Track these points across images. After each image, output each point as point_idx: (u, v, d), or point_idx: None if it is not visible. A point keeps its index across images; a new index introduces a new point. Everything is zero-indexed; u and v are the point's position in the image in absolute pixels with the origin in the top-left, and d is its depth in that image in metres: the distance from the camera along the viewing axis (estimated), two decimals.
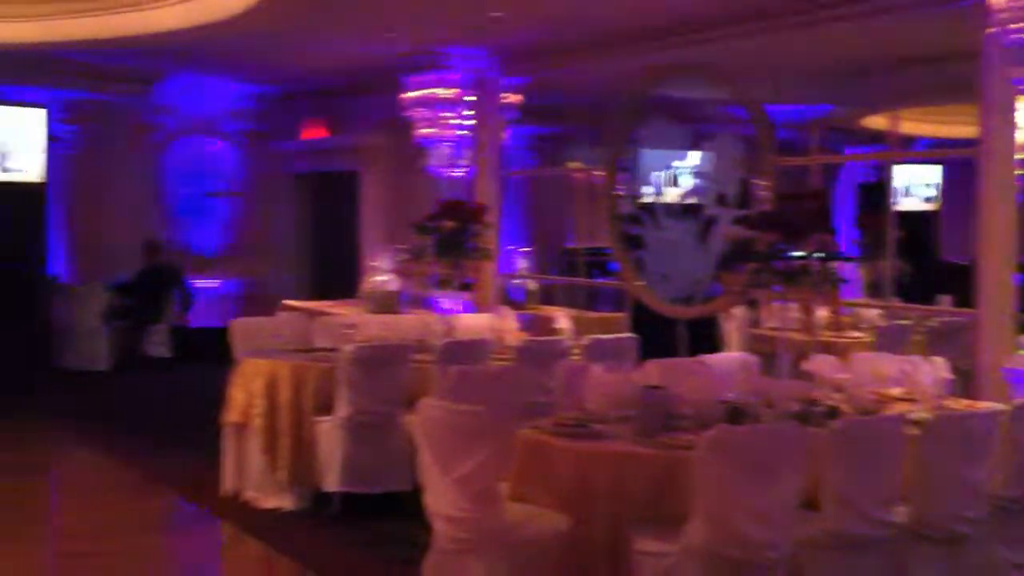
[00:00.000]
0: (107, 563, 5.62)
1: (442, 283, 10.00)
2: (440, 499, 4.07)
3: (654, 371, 5.02)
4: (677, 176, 9.23)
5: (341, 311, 9.84)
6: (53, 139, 10.61)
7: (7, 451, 8.13)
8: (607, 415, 4.46)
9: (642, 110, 8.82)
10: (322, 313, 9.62)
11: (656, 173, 9.27)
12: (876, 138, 11.55)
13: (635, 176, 9.19)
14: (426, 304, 10.13)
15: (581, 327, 8.21)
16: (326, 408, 6.31)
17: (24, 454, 8.23)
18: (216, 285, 13.35)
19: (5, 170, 10.11)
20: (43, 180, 10.37)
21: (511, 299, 10.65)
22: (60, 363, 11.24)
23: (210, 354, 12.40)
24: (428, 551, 4.24)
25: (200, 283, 12.87)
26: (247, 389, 6.54)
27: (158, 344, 12.28)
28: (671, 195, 9.15)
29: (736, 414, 4.35)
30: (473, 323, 8.11)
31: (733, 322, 8.63)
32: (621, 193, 9.09)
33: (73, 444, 8.57)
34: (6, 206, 10.22)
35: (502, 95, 10.37)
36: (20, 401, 9.76)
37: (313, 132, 13.41)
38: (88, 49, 10.01)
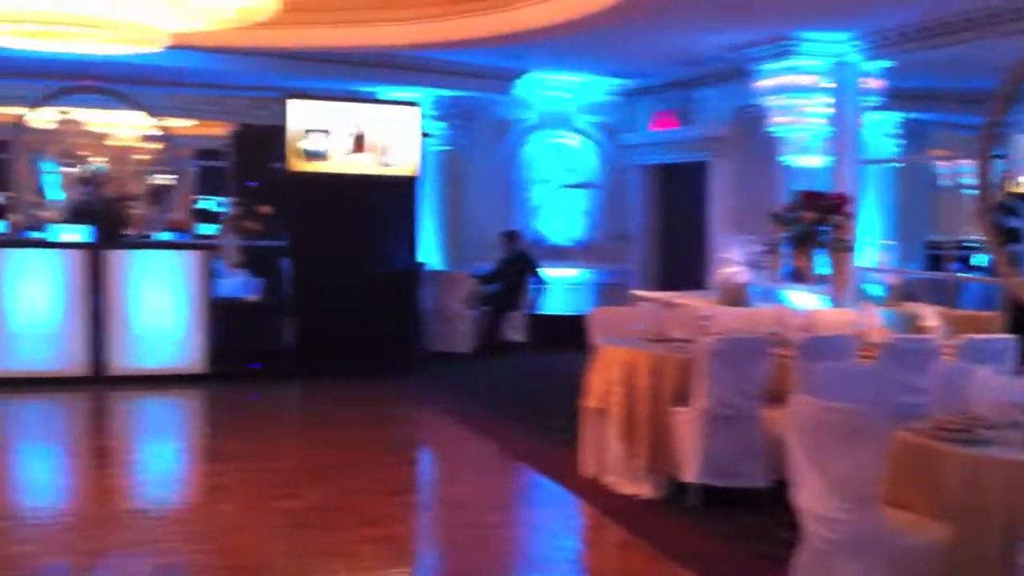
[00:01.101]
0: (508, 535, 6.01)
1: (796, 276, 9.77)
2: (813, 498, 3.98)
3: None
4: None
5: (691, 302, 9.86)
6: (425, 135, 11.33)
7: (385, 427, 8.83)
8: (996, 420, 4.18)
9: (1021, 92, 8.15)
10: (673, 304, 9.69)
11: None
12: None
13: (1012, 164, 8.52)
14: (777, 297, 9.93)
15: (950, 325, 7.75)
16: (683, 399, 6.34)
17: (400, 429, 8.93)
18: (568, 274, 13.77)
19: (384, 164, 10.90)
20: (416, 174, 11.08)
21: (868, 294, 10.23)
22: (428, 345, 11.99)
23: (561, 341, 12.89)
24: (797, 549, 4.16)
25: (553, 272, 13.32)
26: (606, 376, 6.70)
27: (514, 329, 12.85)
28: None
29: None
30: (833, 318, 7.86)
31: None
32: (995, 182, 8.45)
33: (442, 421, 9.14)
34: (385, 198, 11.02)
35: (863, 80, 9.96)
36: (396, 381, 10.55)
37: (662, 124, 13.49)
38: (458, 49, 10.63)
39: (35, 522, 5.91)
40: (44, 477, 7.32)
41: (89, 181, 11.37)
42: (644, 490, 6.42)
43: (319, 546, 5.47)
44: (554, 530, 6.21)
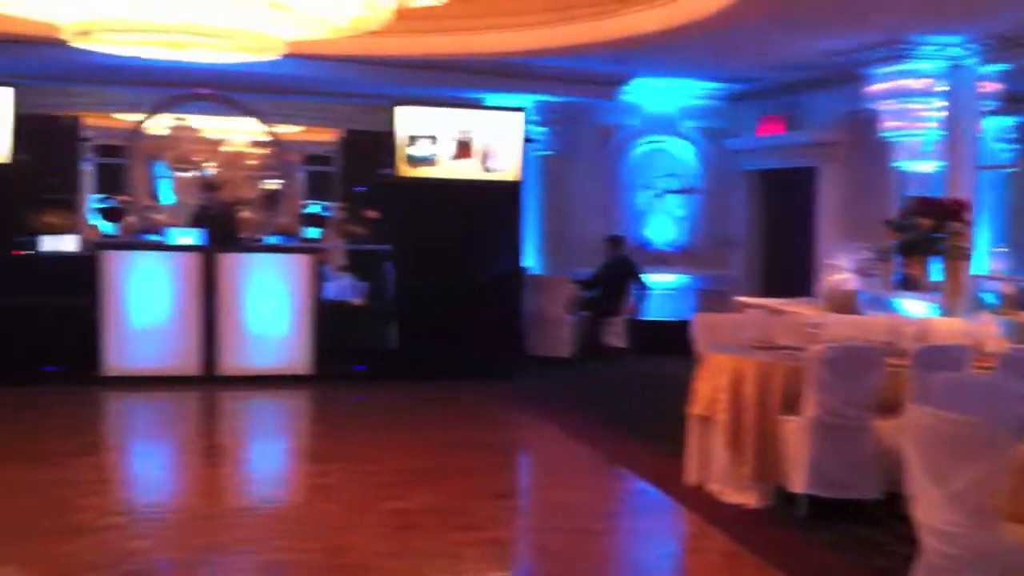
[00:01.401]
0: (611, 541, 5.99)
1: (908, 284, 9.54)
2: (930, 512, 3.88)
3: None
4: None
5: (798, 309, 9.70)
6: (529, 140, 11.37)
7: (486, 430, 8.88)
8: None
9: None
10: (779, 311, 9.55)
11: None
12: None
13: None
14: (886, 305, 9.71)
15: None
16: (791, 407, 6.24)
17: (500, 433, 8.98)
18: (669, 280, 13.67)
19: (487, 169, 10.97)
20: (519, 179, 11.12)
21: (983, 302, 9.93)
22: (529, 350, 12.01)
23: (663, 347, 12.78)
24: (911, 563, 4.06)
25: (655, 278, 13.24)
26: (712, 383, 6.63)
27: (615, 335, 12.80)
28: None
29: None
30: (948, 327, 7.66)
31: None
32: None
33: (544, 425, 9.15)
34: (488, 203, 11.08)
35: (979, 83, 9.67)
36: (497, 384, 10.60)
37: (769, 128, 13.30)
38: (566, 56, 10.63)
39: (151, 518, 6.09)
40: (159, 474, 7.55)
41: (202, 186, 11.69)
42: (750, 499, 6.33)
43: (424, 547, 5.52)
44: (657, 538, 6.17)
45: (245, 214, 11.67)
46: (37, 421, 8.64)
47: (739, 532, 5.88)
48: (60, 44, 8.73)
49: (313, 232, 14.99)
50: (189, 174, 11.49)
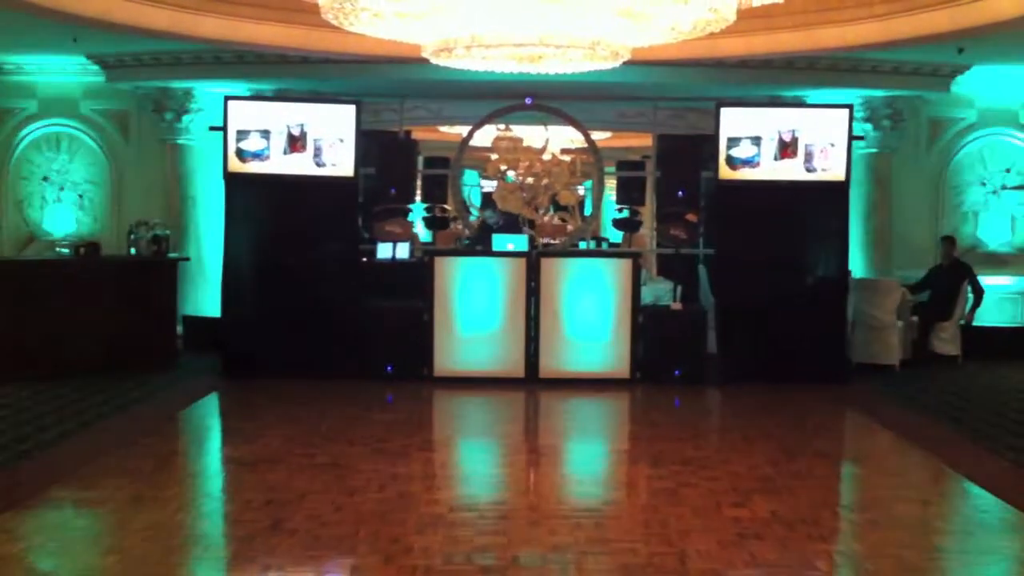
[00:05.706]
0: (964, 560, 5.67)
1: None
2: None
3: None
4: None
5: None
6: (855, 138, 10.92)
7: (819, 437, 8.61)
8: None
9: None
10: None
11: None
12: None
13: None
14: None
15: None
16: None
17: (834, 440, 8.76)
18: (1007, 283, 12.77)
19: (811, 170, 10.60)
20: (845, 179, 10.69)
21: None
22: (852, 356, 11.51)
23: (1000, 354, 11.93)
24: None
25: (989, 281, 12.40)
26: None
27: (947, 341, 12.07)
28: None
29: None
30: None
31: None
32: None
33: (880, 435, 8.86)
34: (812, 204, 10.70)
35: None
36: (821, 391, 10.26)
37: None
38: (904, 46, 10.07)
39: (497, 514, 6.26)
40: (495, 471, 7.80)
41: (523, 193, 12.00)
42: None
43: (776, 558, 5.39)
44: (1019, 559, 5.73)
45: (564, 220, 11.91)
46: (382, 417, 9.17)
47: None
48: (401, 63, 9.24)
49: (616, 237, 15.04)
50: (510, 182, 11.84)
